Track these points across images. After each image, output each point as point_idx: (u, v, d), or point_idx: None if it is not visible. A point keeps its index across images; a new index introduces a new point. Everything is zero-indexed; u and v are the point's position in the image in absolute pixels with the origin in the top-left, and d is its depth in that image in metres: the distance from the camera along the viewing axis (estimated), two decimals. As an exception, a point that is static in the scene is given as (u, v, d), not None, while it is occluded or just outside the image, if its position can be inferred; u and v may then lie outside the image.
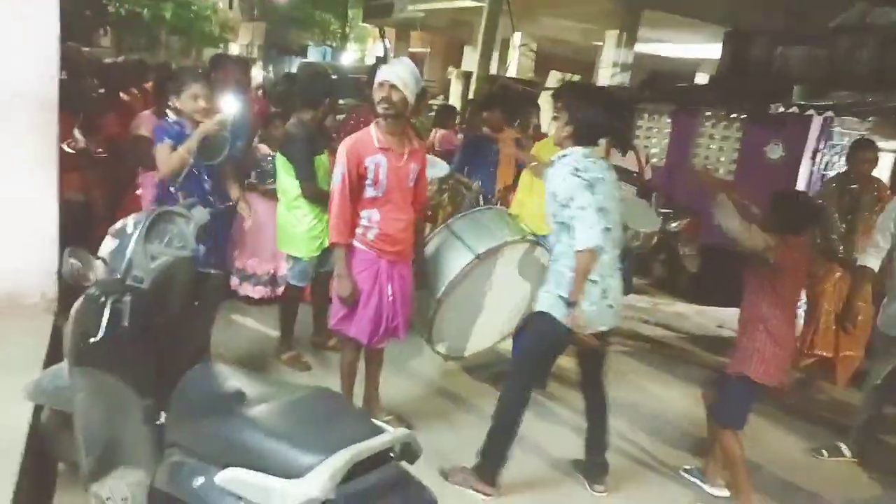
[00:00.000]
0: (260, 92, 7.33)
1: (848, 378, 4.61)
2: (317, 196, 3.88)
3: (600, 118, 2.96)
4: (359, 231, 3.21)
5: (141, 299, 2.13)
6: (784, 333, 3.06)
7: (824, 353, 4.58)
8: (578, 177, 2.83)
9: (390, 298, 3.29)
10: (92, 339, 2.12)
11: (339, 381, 3.48)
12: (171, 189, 3.34)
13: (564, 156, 2.95)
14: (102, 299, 2.11)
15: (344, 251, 3.20)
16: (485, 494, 3.06)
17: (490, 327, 3.89)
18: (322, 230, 3.98)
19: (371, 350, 3.47)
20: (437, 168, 4.66)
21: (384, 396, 3.64)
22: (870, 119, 6.03)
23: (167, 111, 3.47)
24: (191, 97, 3.42)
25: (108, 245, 2.27)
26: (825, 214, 4.57)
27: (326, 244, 4.04)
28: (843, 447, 3.88)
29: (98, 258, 2.16)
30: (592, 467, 3.28)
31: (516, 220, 3.90)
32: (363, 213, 3.20)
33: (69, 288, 2.22)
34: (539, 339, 3.08)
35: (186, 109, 3.42)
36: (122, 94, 5.93)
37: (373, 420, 1.97)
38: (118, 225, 2.29)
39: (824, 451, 3.91)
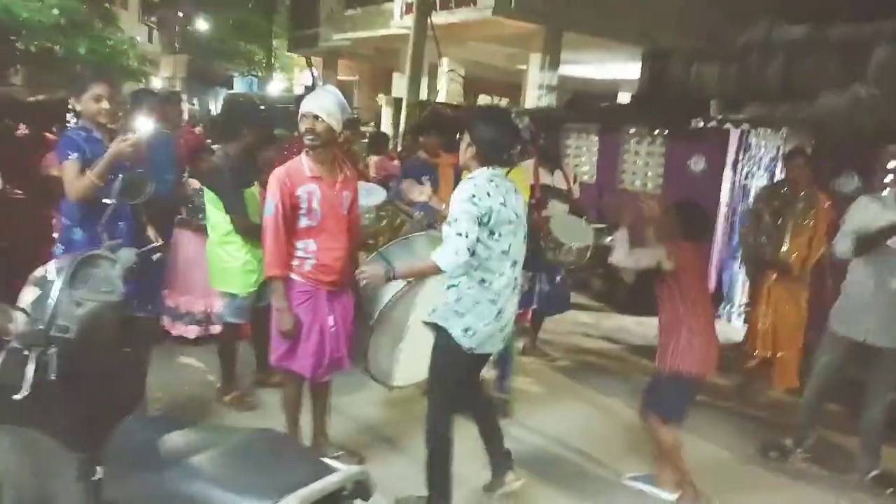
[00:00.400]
0: (195, 125, 7.16)
1: (787, 379, 4.77)
2: (248, 230, 3.80)
3: (500, 138, 2.95)
4: (295, 263, 3.16)
5: (68, 349, 2.01)
6: (704, 326, 3.26)
7: (764, 355, 4.74)
8: (474, 205, 2.80)
9: (332, 329, 3.24)
10: (16, 396, 2.00)
11: (285, 415, 3.39)
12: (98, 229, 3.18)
13: (471, 178, 2.93)
14: (25, 353, 2.00)
15: (282, 284, 3.13)
16: None
17: (425, 355, 3.84)
18: (257, 264, 3.89)
19: (316, 384, 3.40)
20: (374, 195, 4.63)
21: (332, 431, 3.56)
22: (782, 129, 6.37)
23: (68, 116, 3.27)
24: (92, 98, 3.22)
25: (28, 294, 2.14)
26: (755, 217, 4.82)
27: (262, 278, 3.96)
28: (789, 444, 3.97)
29: (18, 308, 2.04)
30: (499, 464, 3.24)
31: None
32: (299, 244, 3.15)
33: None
34: (440, 358, 3.01)
35: (89, 112, 3.23)
36: (47, 134, 5.67)
37: (322, 459, 1.91)
38: (38, 272, 2.16)
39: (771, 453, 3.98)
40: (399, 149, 7.83)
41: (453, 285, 2.91)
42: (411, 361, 3.78)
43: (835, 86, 5.97)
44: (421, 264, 2.99)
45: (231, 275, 3.90)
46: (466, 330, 2.88)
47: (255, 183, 3.92)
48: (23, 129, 5.56)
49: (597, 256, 4.25)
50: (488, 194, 2.82)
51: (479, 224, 2.80)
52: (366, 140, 8.15)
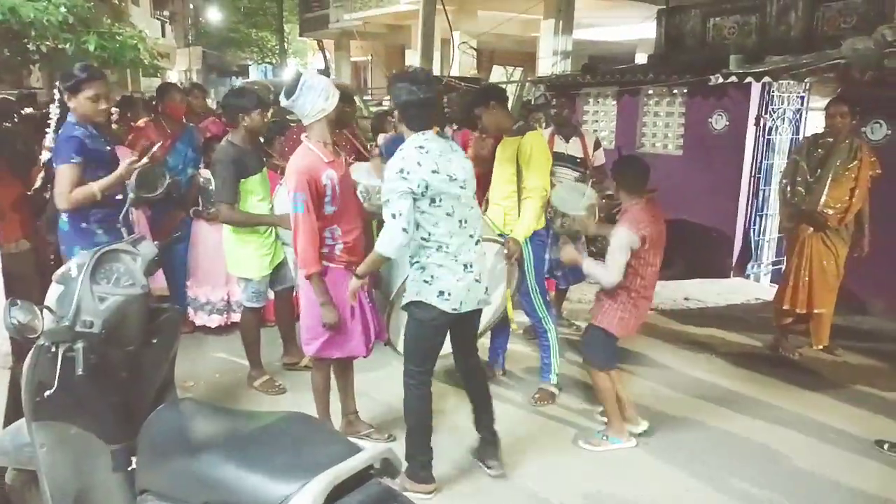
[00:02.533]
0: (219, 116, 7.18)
1: (820, 337, 4.68)
2: (233, 219, 3.82)
3: (415, 99, 2.84)
4: (325, 251, 3.16)
5: (93, 344, 2.04)
6: (644, 297, 3.47)
7: (799, 311, 4.64)
8: (404, 179, 2.76)
9: (369, 303, 3.32)
10: (47, 392, 2.04)
11: (315, 400, 3.43)
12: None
13: (400, 150, 2.88)
14: (53, 349, 2.03)
15: (321, 279, 3.12)
16: (425, 493, 3.02)
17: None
18: (270, 247, 3.92)
19: (344, 363, 3.43)
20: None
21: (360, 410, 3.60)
22: (806, 80, 6.18)
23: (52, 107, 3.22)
24: (89, 100, 3.14)
25: (53, 292, 2.17)
26: (793, 168, 4.70)
27: (277, 261, 3.99)
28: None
29: (44, 307, 2.07)
30: (484, 445, 3.26)
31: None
32: (326, 232, 3.15)
33: (25, 341, 2.12)
34: (415, 327, 3.01)
35: (86, 112, 3.16)
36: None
37: (349, 439, 1.92)
38: (62, 269, 2.19)
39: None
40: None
41: (416, 261, 2.93)
42: None
43: (859, 31, 5.77)
44: (371, 257, 2.97)
45: (245, 260, 3.92)
46: (441, 293, 2.88)
47: (261, 171, 3.93)
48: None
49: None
50: (418, 164, 2.78)
51: (416, 197, 2.77)
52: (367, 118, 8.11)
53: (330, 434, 1.95)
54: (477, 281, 2.96)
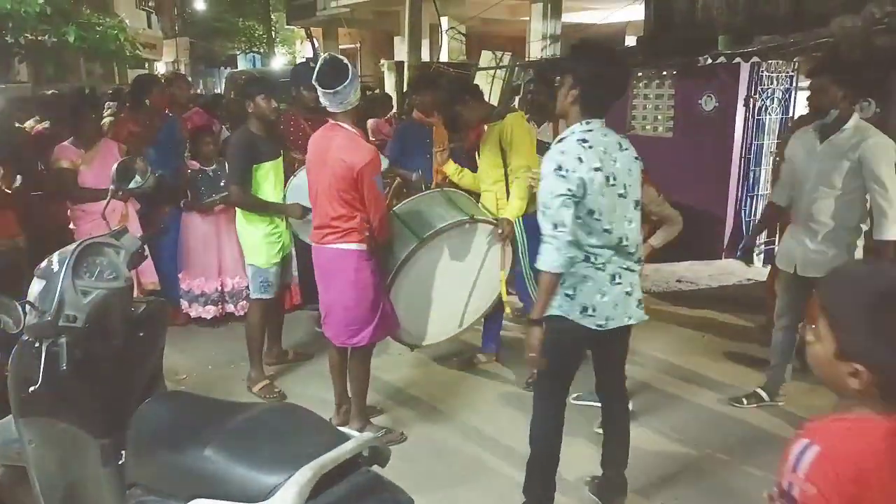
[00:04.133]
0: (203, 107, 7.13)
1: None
2: (244, 202, 3.81)
3: (609, 79, 2.49)
4: (366, 234, 3.17)
5: (77, 339, 2.02)
6: None
7: None
8: (562, 177, 2.37)
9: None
10: (32, 388, 2.02)
11: (357, 392, 3.42)
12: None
13: (559, 141, 2.50)
14: (37, 345, 2.01)
15: None
16: None
17: (448, 314, 3.85)
18: (279, 236, 3.90)
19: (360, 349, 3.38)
20: None
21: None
22: (795, 60, 6.16)
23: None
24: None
25: (35, 287, 2.14)
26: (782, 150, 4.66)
27: (286, 252, 3.97)
28: (761, 392, 3.84)
29: (25, 302, 2.04)
30: (609, 486, 2.90)
31: (467, 200, 3.86)
32: (350, 212, 3.14)
33: (9, 337, 2.10)
34: (555, 347, 2.57)
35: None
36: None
37: (337, 428, 1.91)
38: (43, 264, 2.16)
39: (744, 400, 3.84)
40: (397, 112, 7.75)
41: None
42: (435, 322, 3.81)
43: (847, 9, 5.74)
44: (540, 288, 2.48)
45: (255, 245, 3.89)
46: (585, 310, 2.53)
47: (277, 157, 3.91)
48: (43, 125, 5.58)
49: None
50: (580, 160, 2.38)
51: (574, 199, 2.38)
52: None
53: (318, 424, 1.94)
54: (629, 294, 2.59)
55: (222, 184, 4.50)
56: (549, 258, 2.40)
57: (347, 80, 2.98)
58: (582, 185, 2.37)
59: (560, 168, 2.39)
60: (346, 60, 3.08)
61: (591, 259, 2.51)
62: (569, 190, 2.37)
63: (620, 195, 2.48)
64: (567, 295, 2.53)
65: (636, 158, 2.57)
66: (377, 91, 11.40)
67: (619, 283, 2.55)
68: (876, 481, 1.12)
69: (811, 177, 3.45)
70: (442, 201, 3.78)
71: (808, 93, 3.89)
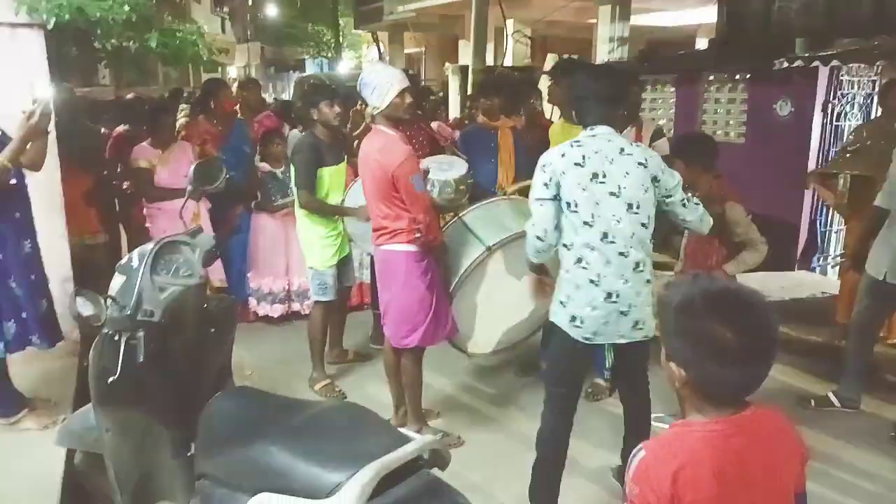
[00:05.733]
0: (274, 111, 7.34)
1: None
2: (311, 205, 3.88)
3: (583, 93, 2.68)
4: (417, 235, 3.19)
5: (154, 333, 2.11)
6: None
7: None
8: (542, 171, 2.59)
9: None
10: (111, 379, 2.11)
11: (410, 394, 3.46)
12: None
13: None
14: (116, 337, 2.10)
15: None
16: None
17: (512, 323, 3.81)
18: (335, 238, 3.97)
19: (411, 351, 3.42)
20: (456, 167, 4.01)
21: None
22: (878, 63, 5.87)
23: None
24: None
25: (116, 282, 2.25)
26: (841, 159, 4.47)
27: (343, 254, 4.04)
28: (832, 397, 3.79)
29: (107, 296, 2.14)
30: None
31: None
32: (396, 212, 3.19)
33: (93, 329, 2.22)
34: (551, 353, 2.83)
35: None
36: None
37: (399, 429, 1.93)
38: (124, 260, 2.27)
39: (812, 401, 3.82)
40: (459, 116, 7.78)
41: (562, 272, 2.67)
42: (498, 331, 3.78)
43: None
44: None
45: (313, 247, 3.98)
46: (573, 319, 2.60)
47: (341, 162, 3.99)
48: (123, 127, 5.85)
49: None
50: (562, 155, 2.56)
51: (554, 195, 2.56)
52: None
53: (381, 425, 1.97)
54: (624, 314, 2.58)
55: (291, 186, 4.60)
56: (527, 247, 2.73)
57: (363, 85, 3.12)
58: (555, 174, 2.54)
59: (544, 165, 2.59)
60: (370, 68, 3.26)
61: (582, 264, 2.56)
62: (544, 184, 2.56)
63: (612, 193, 2.53)
64: (560, 303, 2.64)
65: (640, 164, 2.57)
66: (440, 94, 11.48)
67: (615, 302, 2.56)
68: (691, 482, 1.23)
69: None
70: (508, 210, 3.75)
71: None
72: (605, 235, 2.53)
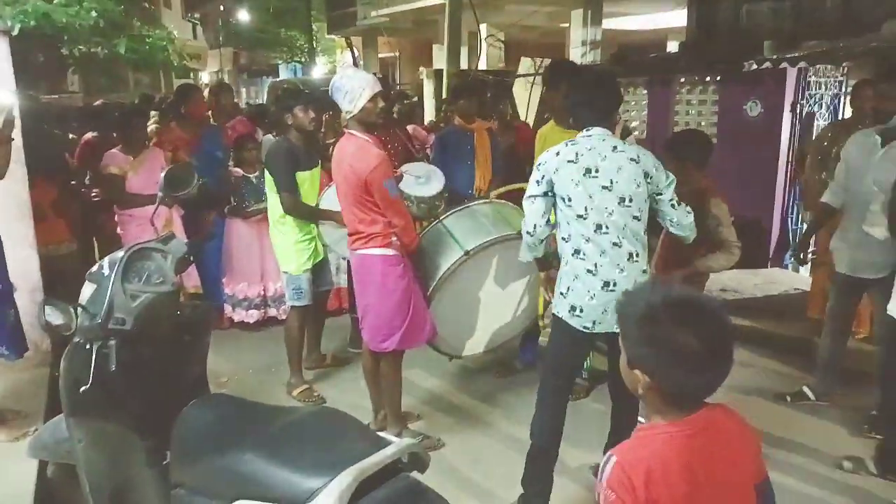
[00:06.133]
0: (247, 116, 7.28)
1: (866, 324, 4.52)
2: (297, 209, 3.85)
3: (579, 97, 2.78)
4: (393, 240, 3.19)
5: (126, 341, 2.07)
6: None
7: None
8: (537, 168, 2.70)
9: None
10: (82, 388, 2.07)
11: (390, 398, 3.45)
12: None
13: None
14: (87, 346, 2.06)
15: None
16: None
17: (491, 327, 3.81)
18: (309, 242, 3.94)
19: (386, 354, 3.40)
20: (434, 180, 3.99)
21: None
22: (844, 64, 6.00)
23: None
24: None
25: (86, 290, 2.20)
26: (816, 157, 4.53)
27: (318, 259, 4.01)
28: (807, 391, 3.89)
29: (77, 305, 2.10)
30: None
31: (515, 214, 3.81)
32: (371, 216, 3.18)
33: (63, 339, 2.17)
34: (552, 344, 2.88)
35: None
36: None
37: (377, 433, 1.92)
38: (94, 268, 2.23)
39: (788, 397, 3.91)
40: (434, 120, 7.78)
41: (564, 264, 2.75)
42: (477, 334, 3.78)
43: (899, 12, 5.59)
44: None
45: (287, 252, 3.95)
46: (573, 309, 2.68)
47: (316, 167, 3.97)
48: (91, 134, 5.76)
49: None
50: (557, 154, 2.66)
51: (545, 191, 2.67)
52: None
53: (358, 429, 1.95)
54: None
55: (265, 191, 4.57)
56: (522, 253, 2.91)
57: (335, 90, 3.12)
58: (548, 172, 2.64)
59: (539, 164, 2.70)
60: (342, 73, 3.21)
61: (580, 255, 2.65)
62: (536, 181, 2.67)
63: (604, 187, 2.61)
64: (561, 294, 2.72)
65: (632, 160, 2.63)
66: (415, 98, 11.47)
67: (612, 291, 2.62)
68: (663, 482, 1.28)
69: (869, 180, 3.40)
70: (489, 214, 3.74)
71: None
72: (598, 227, 2.62)
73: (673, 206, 2.71)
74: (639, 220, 2.65)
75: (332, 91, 3.15)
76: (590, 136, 2.68)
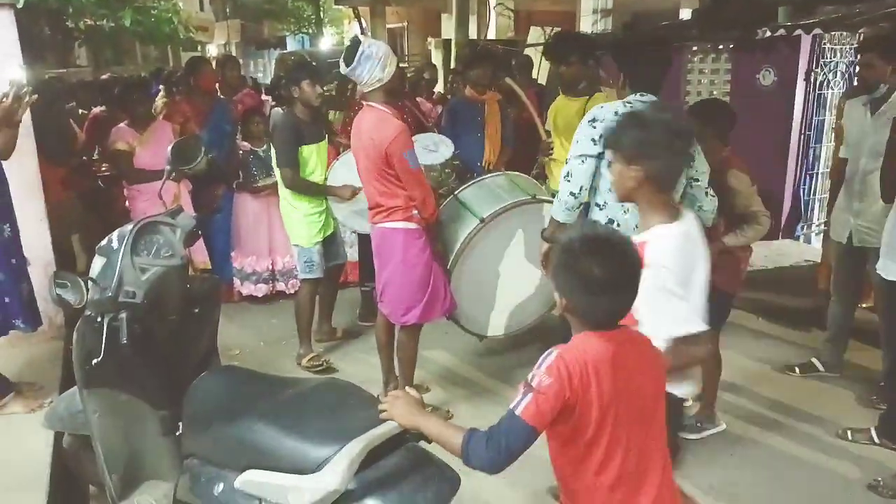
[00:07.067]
0: (254, 89, 7.25)
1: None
2: (296, 185, 3.85)
3: (647, 62, 2.70)
4: (414, 213, 3.18)
5: (136, 314, 2.09)
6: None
7: None
8: (592, 127, 2.58)
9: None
10: (95, 361, 2.10)
11: (404, 369, 3.46)
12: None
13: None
14: (98, 319, 2.09)
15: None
16: None
17: (512, 303, 3.74)
18: (320, 216, 3.94)
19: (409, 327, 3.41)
20: (443, 148, 4.07)
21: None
22: (861, 31, 5.87)
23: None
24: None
25: (97, 264, 2.23)
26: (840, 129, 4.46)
27: (328, 232, 4.02)
28: (816, 362, 3.89)
29: (88, 278, 2.12)
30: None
31: (529, 182, 3.80)
32: (392, 189, 3.15)
33: (76, 312, 2.20)
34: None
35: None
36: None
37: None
38: (104, 242, 2.24)
39: (797, 368, 3.92)
40: (441, 91, 7.72)
41: None
42: (500, 311, 3.71)
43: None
44: (550, 222, 2.83)
45: (297, 225, 3.96)
46: None
47: (321, 141, 3.96)
48: (100, 109, 5.76)
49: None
50: (615, 113, 2.49)
51: (600, 152, 2.51)
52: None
53: (367, 399, 1.97)
54: None
55: (273, 165, 4.57)
56: (554, 205, 2.74)
57: (354, 62, 3.01)
58: (607, 131, 2.41)
59: (594, 120, 2.56)
60: (362, 42, 3.08)
61: (615, 225, 2.58)
62: (592, 139, 2.53)
63: None
64: None
65: None
66: (425, 76, 11.37)
67: None
68: (594, 378, 1.47)
69: (864, 149, 3.46)
70: (503, 184, 3.70)
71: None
72: (611, 221, 2.57)
73: (707, 193, 2.69)
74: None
75: (361, 60, 3.02)
76: (644, 101, 2.57)
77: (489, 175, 3.87)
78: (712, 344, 3.17)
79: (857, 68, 3.74)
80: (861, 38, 4.21)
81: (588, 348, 1.52)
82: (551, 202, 3.55)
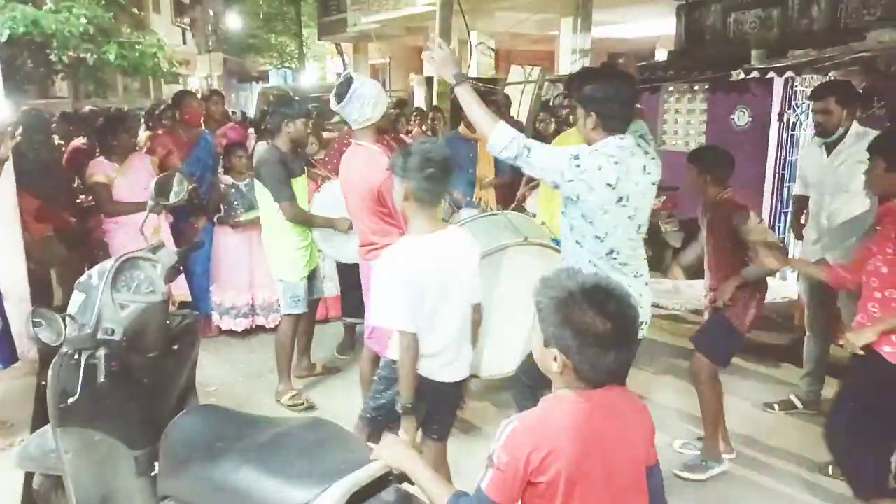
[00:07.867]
0: (240, 122, 7.29)
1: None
2: (298, 217, 3.85)
3: (621, 99, 2.53)
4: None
5: (115, 351, 2.06)
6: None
7: None
8: (577, 166, 2.46)
9: None
10: (71, 399, 2.06)
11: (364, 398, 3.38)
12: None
13: (596, 149, 2.52)
14: (76, 357, 2.05)
15: None
16: None
17: (507, 345, 3.62)
18: (305, 249, 3.94)
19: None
20: None
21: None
22: (830, 74, 6.06)
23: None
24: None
25: (75, 300, 2.19)
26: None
27: (313, 266, 4.01)
28: (795, 399, 3.93)
29: (66, 315, 2.09)
30: None
31: (527, 223, 3.79)
32: (384, 227, 3.14)
33: (51, 348, 2.15)
34: None
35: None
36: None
37: (368, 444, 1.91)
38: (83, 278, 2.22)
39: (776, 405, 3.95)
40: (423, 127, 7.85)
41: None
42: (494, 352, 3.58)
43: (884, 23, 5.65)
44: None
45: (283, 261, 3.93)
46: None
47: (303, 174, 3.98)
48: (80, 141, 5.71)
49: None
50: (599, 168, 2.44)
51: (569, 181, 2.45)
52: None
53: (349, 440, 1.95)
54: (640, 295, 2.62)
55: (254, 200, 4.56)
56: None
57: (346, 100, 3.05)
58: (586, 180, 2.43)
59: (577, 157, 2.45)
60: (354, 80, 3.10)
61: (613, 255, 2.58)
62: (571, 165, 2.44)
63: (629, 217, 2.54)
64: None
65: (653, 183, 2.60)
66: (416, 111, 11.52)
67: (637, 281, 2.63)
68: (557, 451, 1.40)
69: (827, 189, 3.62)
70: (500, 224, 3.67)
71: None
72: (611, 252, 2.58)
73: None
74: (641, 235, 2.65)
75: (353, 98, 3.04)
76: (623, 147, 2.50)
77: (484, 214, 3.90)
78: (713, 380, 3.27)
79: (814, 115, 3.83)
80: (815, 86, 4.31)
81: (553, 417, 1.44)
82: (545, 246, 3.58)
